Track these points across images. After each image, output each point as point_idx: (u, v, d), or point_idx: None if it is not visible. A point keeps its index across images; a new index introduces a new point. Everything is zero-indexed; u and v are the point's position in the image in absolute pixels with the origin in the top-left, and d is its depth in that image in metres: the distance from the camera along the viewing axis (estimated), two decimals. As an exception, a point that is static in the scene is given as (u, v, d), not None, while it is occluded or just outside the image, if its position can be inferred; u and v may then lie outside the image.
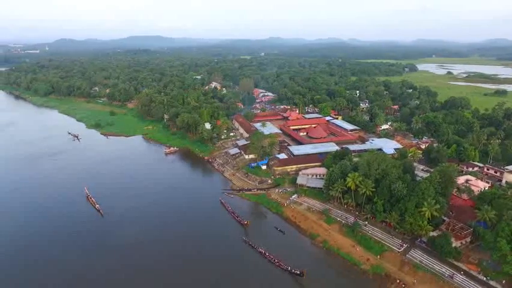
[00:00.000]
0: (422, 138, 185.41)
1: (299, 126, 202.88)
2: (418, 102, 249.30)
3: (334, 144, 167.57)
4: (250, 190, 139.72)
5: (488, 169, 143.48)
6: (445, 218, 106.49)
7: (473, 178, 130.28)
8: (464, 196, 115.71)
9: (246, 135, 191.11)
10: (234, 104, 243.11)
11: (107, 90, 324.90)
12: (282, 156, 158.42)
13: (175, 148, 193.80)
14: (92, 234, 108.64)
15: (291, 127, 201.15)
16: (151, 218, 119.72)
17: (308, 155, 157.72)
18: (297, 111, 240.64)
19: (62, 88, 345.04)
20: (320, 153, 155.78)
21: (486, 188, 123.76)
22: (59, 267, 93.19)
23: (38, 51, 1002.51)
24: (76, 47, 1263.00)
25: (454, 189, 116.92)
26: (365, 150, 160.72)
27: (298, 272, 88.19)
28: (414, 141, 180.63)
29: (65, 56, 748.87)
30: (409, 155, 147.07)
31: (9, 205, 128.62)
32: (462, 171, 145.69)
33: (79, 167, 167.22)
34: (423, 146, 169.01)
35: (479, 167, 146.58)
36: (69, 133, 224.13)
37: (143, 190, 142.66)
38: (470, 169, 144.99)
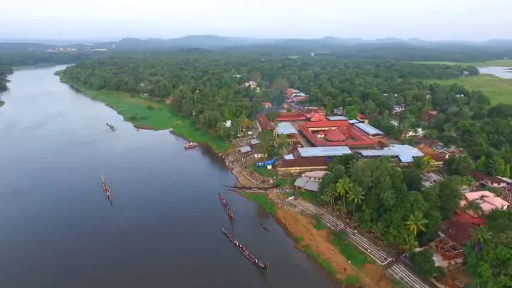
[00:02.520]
0: (450, 147, 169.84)
1: (318, 128, 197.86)
2: (458, 108, 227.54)
3: (347, 148, 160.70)
4: (250, 189, 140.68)
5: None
6: (442, 235, 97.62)
7: (491, 194, 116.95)
8: (471, 213, 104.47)
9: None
10: (258, 102, 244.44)
11: (149, 87, 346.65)
12: (289, 157, 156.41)
13: (195, 143, 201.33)
14: (96, 220, 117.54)
15: (310, 129, 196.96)
16: (152, 207, 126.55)
17: (316, 157, 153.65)
18: (323, 113, 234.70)
19: (112, 83, 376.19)
20: (329, 157, 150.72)
21: (505, 207, 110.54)
22: (53, 246, 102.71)
23: (105, 50, 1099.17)
24: (139, 45, 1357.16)
25: (459, 204, 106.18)
26: (379, 156, 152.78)
27: (262, 265, 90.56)
28: (440, 150, 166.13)
29: (126, 54, 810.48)
30: (423, 164, 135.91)
31: (34, 186, 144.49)
32: (485, 185, 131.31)
33: (104, 156, 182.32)
34: (448, 156, 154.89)
35: (508, 183, 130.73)
36: (107, 124, 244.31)
37: (154, 180, 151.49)
38: (495, 184, 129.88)
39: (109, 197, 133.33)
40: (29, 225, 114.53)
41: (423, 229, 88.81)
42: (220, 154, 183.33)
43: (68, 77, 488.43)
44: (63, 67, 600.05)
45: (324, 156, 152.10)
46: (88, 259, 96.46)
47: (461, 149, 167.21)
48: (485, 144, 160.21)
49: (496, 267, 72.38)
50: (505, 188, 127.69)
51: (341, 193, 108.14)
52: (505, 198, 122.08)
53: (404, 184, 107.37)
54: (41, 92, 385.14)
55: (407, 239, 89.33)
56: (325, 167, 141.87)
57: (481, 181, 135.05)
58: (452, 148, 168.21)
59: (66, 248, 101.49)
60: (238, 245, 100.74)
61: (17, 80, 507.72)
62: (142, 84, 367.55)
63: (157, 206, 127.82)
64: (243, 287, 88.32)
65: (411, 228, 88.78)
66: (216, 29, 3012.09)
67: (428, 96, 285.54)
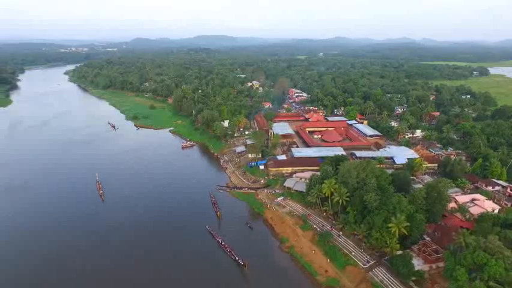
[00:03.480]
0: (447, 149, 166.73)
1: (315, 129, 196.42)
2: (460, 110, 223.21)
3: (341, 149, 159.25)
4: (241, 188, 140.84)
5: (511, 189, 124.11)
6: (427, 238, 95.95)
7: (482, 198, 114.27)
8: (459, 216, 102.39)
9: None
10: (257, 102, 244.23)
11: (153, 86, 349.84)
12: (282, 157, 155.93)
13: (192, 142, 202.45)
14: (85, 218, 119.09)
15: (307, 129, 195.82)
16: (143, 205, 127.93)
17: (309, 158, 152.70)
18: (322, 113, 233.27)
19: (118, 82, 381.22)
20: (322, 158, 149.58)
21: (495, 211, 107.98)
22: (38, 240, 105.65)
23: (115, 49, 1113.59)
24: (150, 45, 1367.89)
25: (448, 207, 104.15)
26: (373, 158, 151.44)
27: (242, 263, 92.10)
28: (437, 152, 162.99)
29: (135, 54, 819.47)
30: (415, 166, 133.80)
31: (30, 184, 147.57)
32: (478, 188, 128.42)
33: (102, 154, 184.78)
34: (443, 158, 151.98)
35: (503, 186, 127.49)
36: (108, 123, 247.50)
37: (149, 179, 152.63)
38: (490, 188, 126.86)
39: (101, 196, 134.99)
40: (17, 221, 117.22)
41: (406, 232, 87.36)
42: (215, 154, 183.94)
43: (76, 77, 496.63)
44: (73, 67, 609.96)
45: (316, 157, 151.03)
46: (71, 255, 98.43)
47: (459, 151, 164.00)
48: (483, 147, 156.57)
49: (473, 272, 70.69)
50: (498, 191, 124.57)
51: (327, 194, 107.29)
52: (498, 201, 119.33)
53: (392, 186, 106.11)
54: (48, 91, 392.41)
55: (388, 242, 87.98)
56: (317, 168, 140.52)
57: (476, 184, 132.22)
58: (450, 150, 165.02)
59: (50, 243, 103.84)
60: (221, 243, 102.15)
61: (28, 79, 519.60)
62: (147, 84, 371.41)
63: (148, 205, 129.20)
64: (221, 283, 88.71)
65: (392, 231, 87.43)
66: (227, 29, 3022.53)
67: (432, 97, 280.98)
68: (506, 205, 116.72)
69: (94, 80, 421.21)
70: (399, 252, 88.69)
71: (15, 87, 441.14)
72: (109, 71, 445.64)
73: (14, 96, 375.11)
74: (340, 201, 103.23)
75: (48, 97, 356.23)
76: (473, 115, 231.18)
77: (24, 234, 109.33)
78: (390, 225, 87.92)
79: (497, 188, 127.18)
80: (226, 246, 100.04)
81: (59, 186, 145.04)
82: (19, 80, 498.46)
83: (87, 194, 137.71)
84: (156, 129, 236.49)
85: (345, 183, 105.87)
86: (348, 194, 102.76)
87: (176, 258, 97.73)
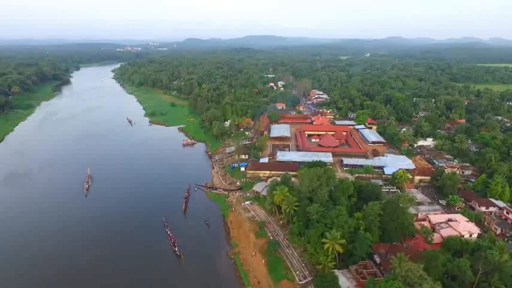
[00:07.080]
0: (453, 161, 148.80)
1: (313, 132, 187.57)
2: (487, 117, 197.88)
3: (330, 155, 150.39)
4: (216, 189, 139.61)
5: (508, 212, 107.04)
6: (377, 259, 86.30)
7: (463, 219, 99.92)
8: (419, 237, 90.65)
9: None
10: (265, 103, 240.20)
11: (180, 84, 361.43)
12: (264, 160, 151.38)
13: (193, 140, 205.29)
14: (62, 207, 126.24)
15: (307, 132, 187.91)
16: (122, 199, 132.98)
17: (293, 162, 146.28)
18: (331, 116, 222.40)
19: (149, 80, 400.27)
20: (304, 163, 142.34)
21: (474, 235, 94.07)
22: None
23: (166, 49, 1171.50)
24: (200, 45, 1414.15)
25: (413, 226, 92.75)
26: (361, 166, 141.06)
27: (178, 253, 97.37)
28: (440, 164, 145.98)
29: (182, 53, 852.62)
30: (397, 178, 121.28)
31: (31, 171, 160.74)
32: (473, 208, 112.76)
33: (107, 148, 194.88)
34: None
35: (499, 207, 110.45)
36: (127, 118, 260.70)
37: (139, 174, 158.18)
38: (483, 208, 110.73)
39: (86, 189, 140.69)
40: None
41: (341, 250, 79.36)
42: (209, 152, 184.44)
43: (118, 74, 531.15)
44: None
45: (299, 162, 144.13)
46: (33, 244, 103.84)
47: (467, 164, 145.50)
48: (495, 160, 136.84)
49: (388, 303, 61.91)
50: (492, 213, 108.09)
51: (278, 202, 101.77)
52: (488, 224, 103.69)
53: (355, 198, 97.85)
54: (92, 87, 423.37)
55: (322, 259, 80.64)
56: (295, 173, 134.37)
57: (470, 202, 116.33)
58: (455, 162, 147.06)
59: (12, 226, 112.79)
60: (168, 233, 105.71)
61: (80, 76, 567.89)
62: (175, 82, 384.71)
63: (125, 199, 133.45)
64: (153, 269, 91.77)
65: (325, 247, 80.00)
66: (277, 29, 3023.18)
67: (465, 103, 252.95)
68: (496, 230, 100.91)
69: (130, 78, 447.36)
70: (336, 271, 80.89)
71: (66, 82, 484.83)
72: (145, 70, 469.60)
73: (61, 90, 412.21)
74: (288, 210, 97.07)
75: (88, 92, 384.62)
76: (508, 124, 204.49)
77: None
78: (324, 240, 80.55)
79: (492, 208, 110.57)
80: (172, 237, 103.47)
81: (55, 176, 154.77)
82: (71, 76, 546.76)
83: (75, 185, 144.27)
84: (167, 126, 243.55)
85: (298, 191, 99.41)
86: (297, 203, 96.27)
87: (123, 246, 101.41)
